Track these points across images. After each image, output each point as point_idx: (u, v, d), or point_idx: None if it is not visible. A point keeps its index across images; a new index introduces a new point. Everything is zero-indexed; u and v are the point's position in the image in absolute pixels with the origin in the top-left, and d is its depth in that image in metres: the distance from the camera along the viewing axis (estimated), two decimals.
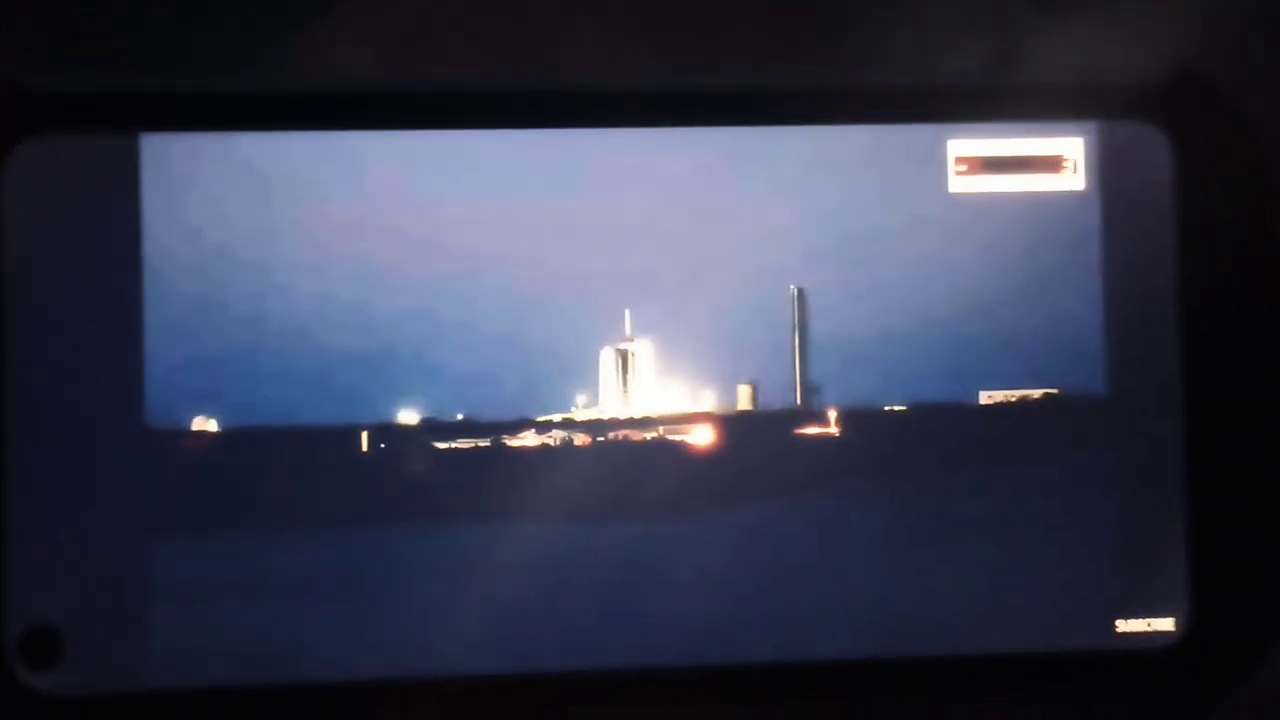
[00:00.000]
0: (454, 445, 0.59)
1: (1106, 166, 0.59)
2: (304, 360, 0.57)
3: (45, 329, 0.56)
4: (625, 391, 0.60)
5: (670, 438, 0.60)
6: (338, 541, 0.58)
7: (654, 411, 0.60)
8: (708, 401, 0.60)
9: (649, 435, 0.60)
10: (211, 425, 0.57)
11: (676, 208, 0.58)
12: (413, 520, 0.58)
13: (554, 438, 0.59)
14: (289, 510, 0.57)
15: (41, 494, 0.55)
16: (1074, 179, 0.59)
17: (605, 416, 0.60)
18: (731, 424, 0.60)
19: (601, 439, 0.59)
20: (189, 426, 0.57)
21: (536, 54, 0.56)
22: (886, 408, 0.60)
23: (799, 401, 0.60)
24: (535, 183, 0.58)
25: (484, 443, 0.59)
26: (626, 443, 0.60)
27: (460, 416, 0.59)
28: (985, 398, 0.59)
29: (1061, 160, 0.59)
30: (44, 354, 0.56)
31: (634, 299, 0.59)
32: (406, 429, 0.58)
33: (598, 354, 0.59)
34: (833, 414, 0.60)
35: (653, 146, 0.58)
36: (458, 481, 0.59)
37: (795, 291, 0.59)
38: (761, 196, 0.59)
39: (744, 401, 0.60)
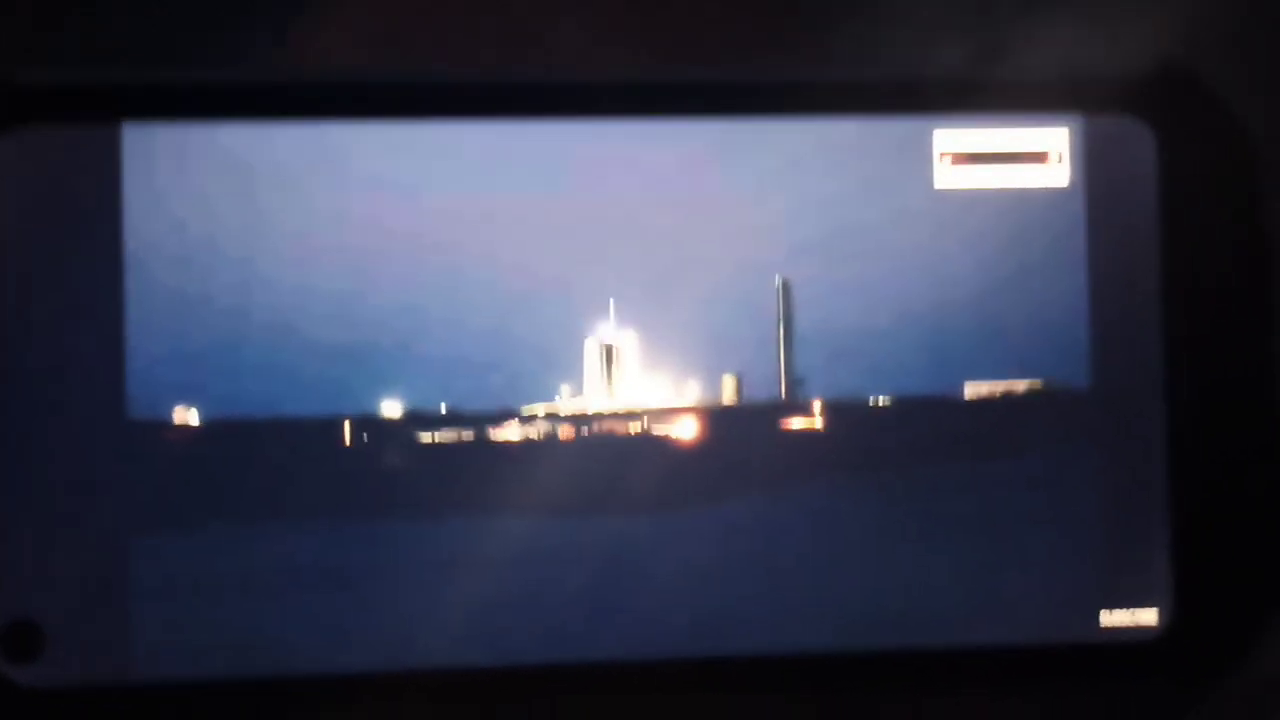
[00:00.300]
0: (437, 437, 0.58)
1: (1091, 160, 0.59)
2: (286, 352, 0.57)
3: (26, 321, 0.55)
4: (609, 383, 0.60)
5: (654, 430, 0.60)
6: (321, 534, 0.57)
7: (638, 404, 0.60)
8: (692, 393, 0.60)
9: (633, 427, 0.60)
10: (193, 417, 0.57)
11: (661, 200, 0.58)
12: (396, 513, 0.58)
13: (538, 430, 0.59)
14: (271, 502, 0.57)
15: (21, 486, 0.55)
16: (1059, 172, 0.59)
17: (589, 408, 0.59)
18: (716, 416, 0.60)
19: (585, 431, 0.59)
20: (171, 419, 0.57)
21: (520, 45, 0.56)
22: (871, 400, 0.60)
23: (784, 394, 0.60)
24: (519, 174, 0.58)
25: (468, 435, 0.59)
26: (610, 435, 0.60)
27: (444, 408, 0.59)
28: (970, 390, 0.59)
29: (1046, 154, 0.59)
30: (25, 346, 0.55)
31: (618, 290, 0.59)
32: (390, 421, 0.58)
33: (582, 345, 0.59)
34: (817, 406, 0.60)
35: (637, 138, 0.58)
36: (441, 474, 0.58)
37: (780, 283, 0.59)
38: (747, 189, 0.58)
39: (728, 394, 0.60)
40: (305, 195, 0.57)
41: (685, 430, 0.60)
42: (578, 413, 0.59)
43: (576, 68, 0.57)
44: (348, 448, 0.57)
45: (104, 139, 0.56)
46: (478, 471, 0.58)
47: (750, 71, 0.57)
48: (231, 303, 0.56)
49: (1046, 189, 0.59)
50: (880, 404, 0.59)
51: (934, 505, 0.59)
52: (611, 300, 0.59)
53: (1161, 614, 0.59)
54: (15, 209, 0.55)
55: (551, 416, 0.59)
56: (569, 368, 0.59)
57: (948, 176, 0.59)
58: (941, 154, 0.59)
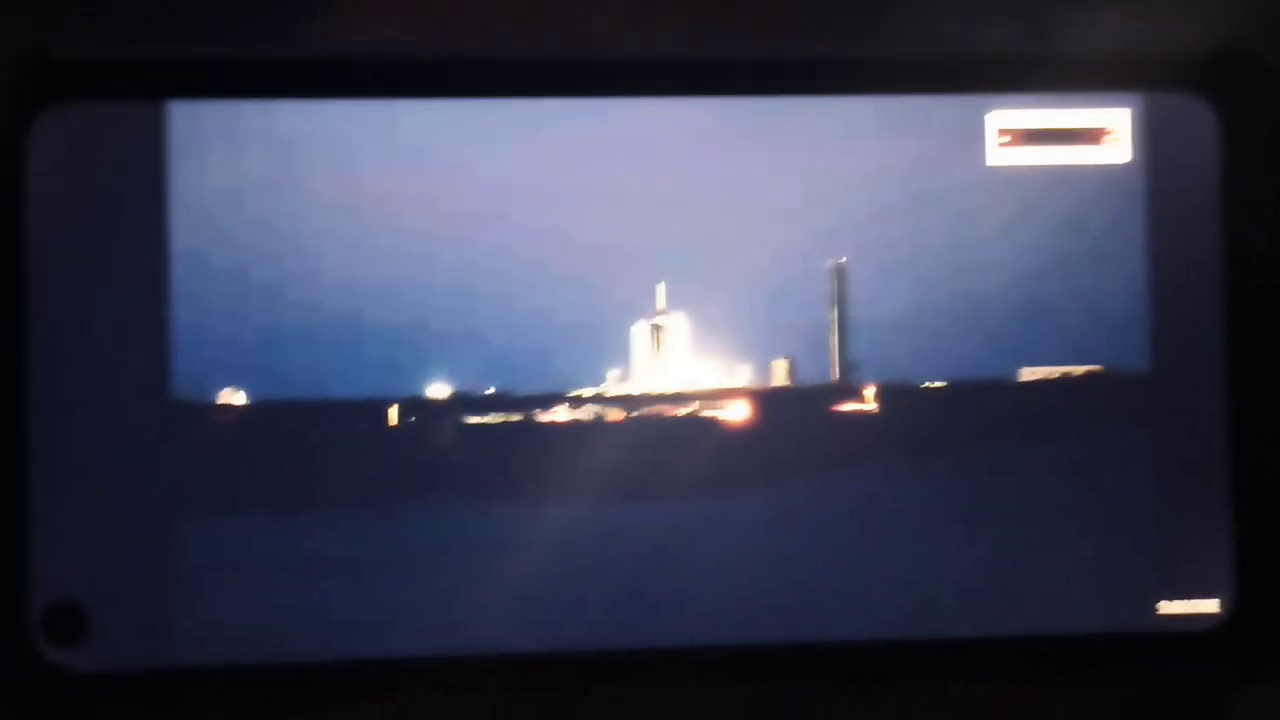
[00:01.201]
0: (485, 420, 0.58)
1: (1151, 139, 0.58)
2: (334, 333, 0.56)
3: (70, 300, 0.55)
4: (659, 366, 0.59)
5: (704, 414, 0.59)
6: (365, 518, 0.57)
7: (688, 387, 0.59)
8: (743, 377, 0.59)
9: (683, 411, 0.59)
10: (239, 398, 0.56)
11: (713, 179, 0.58)
12: (442, 496, 0.57)
13: (586, 413, 0.58)
14: (316, 486, 0.56)
15: (65, 468, 0.55)
16: (1118, 151, 0.58)
17: (638, 392, 0.59)
18: (767, 400, 0.59)
19: (634, 414, 0.59)
20: (216, 400, 0.56)
21: (573, 21, 0.55)
22: (926, 384, 0.59)
23: (836, 377, 0.59)
24: (569, 154, 0.57)
25: (515, 418, 0.58)
26: (660, 418, 0.59)
27: (491, 391, 0.58)
28: (1027, 374, 0.58)
29: (1105, 132, 0.58)
30: (69, 326, 0.55)
31: (668, 272, 0.58)
32: (437, 403, 0.57)
33: (631, 328, 0.58)
34: (871, 390, 0.59)
35: (690, 117, 0.57)
36: (488, 457, 0.58)
37: (834, 265, 0.58)
38: (799, 168, 0.58)
39: (780, 377, 0.59)
40: (354, 173, 0.56)
41: (736, 413, 0.59)
42: (626, 395, 0.58)
43: (627, 46, 0.56)
44: (395, 429, 0.57)
45: (150, 115, 0.55)
46: (525, 454, 0.57)
47: (804, 49, 0.57)
48: (278, 282, 0.56)
49: (1105, 168, 0.58)
50: (935, 388, 0.59)
51: (990, 492, 0.58)
52: (661, 282, 0.58)
53: (1222, 603, 0.58)
54: (61, 185, 0.54)
55: (600, 399, 0.58)
56: (618, 351, 0.58)
57: (1004, 155, 0.58)
58: (998, 132, 0.58)
